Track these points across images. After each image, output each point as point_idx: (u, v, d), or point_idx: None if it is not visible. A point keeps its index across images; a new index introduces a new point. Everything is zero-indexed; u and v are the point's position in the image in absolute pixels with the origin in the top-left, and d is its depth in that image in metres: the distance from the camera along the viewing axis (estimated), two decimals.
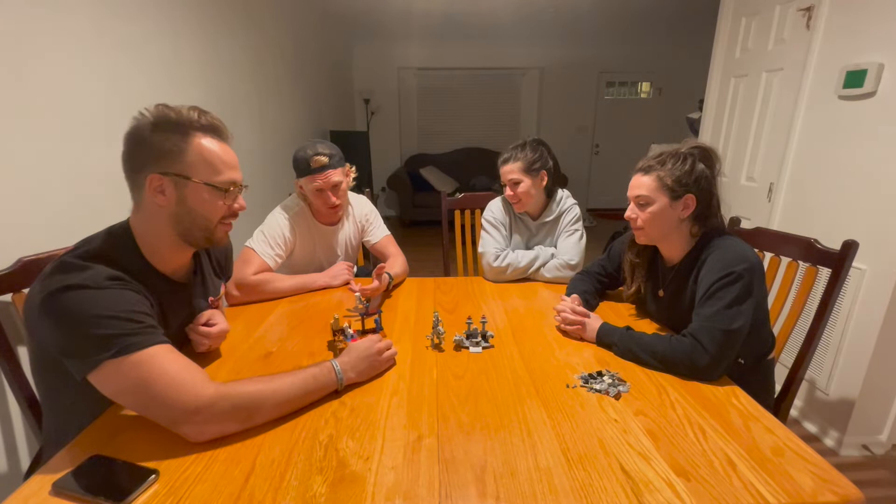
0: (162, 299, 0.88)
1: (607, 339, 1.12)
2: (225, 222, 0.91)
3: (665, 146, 1.24)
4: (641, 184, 1.13)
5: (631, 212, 1.16)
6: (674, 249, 1.17)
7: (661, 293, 1.22)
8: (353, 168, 1.60)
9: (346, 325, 1.15)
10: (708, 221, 1.12)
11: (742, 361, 1.12)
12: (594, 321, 1.17)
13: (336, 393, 0.92)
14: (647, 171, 1.13)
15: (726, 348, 0.98)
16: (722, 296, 1.00)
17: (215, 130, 0.86)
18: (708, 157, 1.11)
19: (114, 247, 0.82)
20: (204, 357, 1.06)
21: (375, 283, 1.36)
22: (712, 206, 1.12)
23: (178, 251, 0.91)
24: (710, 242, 1.10)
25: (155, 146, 0.80)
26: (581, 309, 1.20)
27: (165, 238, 0.87)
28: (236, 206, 0.91)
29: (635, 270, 1.29)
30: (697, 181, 1.09)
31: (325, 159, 1.45)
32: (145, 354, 0.74)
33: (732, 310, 0.99)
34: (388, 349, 1.03)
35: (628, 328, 1.13)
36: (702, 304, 1.03)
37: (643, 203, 1.13)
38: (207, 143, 0.84)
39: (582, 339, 1.18)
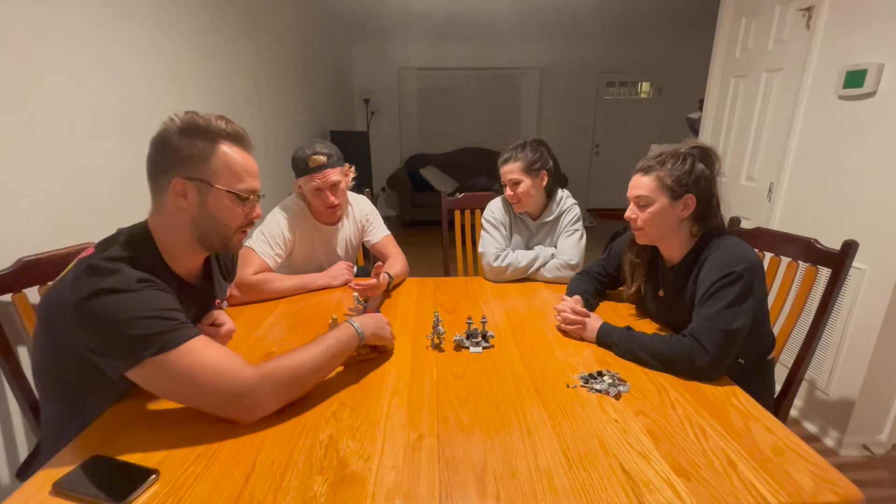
0: (179, 299, 0.89)
1: (607, 339, 1.13)
2: (241, 230, 0.93)
3: (665, 146, 1.24)
4: (641, 184, 1.13)
5: (631, 212, 1.16)
6: (674, 249, 1.17)
7: (661, 293, 1.22)
8: (353, 168, 1.60)
9: None
10: (708, 221, 1.12)
11: (742, 361, 1.12)
12: (594, 321, 1.17)
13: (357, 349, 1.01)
14: (646, 171, 1.13)
15: (726, 348, 0.98)
16: (722, 296, 1.00)
17: (240, 140, 0.89)
18: (707, 156, 1.11)
19: (136, 249, 0.83)
20: None
21: (373, 281, 1.36)
22: (712, 205, 1.12)
23: (193, 254, 0.93)
24: (710, 242, 1.10)
25: (181, 151, 0.83)
26: (581, 309, 1.20)
27: (183, 241, 0.88)
28: (253, 214, 0.94)
29: (635, 270, 1.29)
30: (697, 181, 1.09)
31: (323, 158, 1.45)
32: (185, 349, 0.77)
33: (732, 310, 0.99)
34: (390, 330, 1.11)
35: (628, 328, 1.13)
36: (702, 304, 1.03)
37: (643, 203, 1.13)
38: (232, 151, 0.87)
39: (582, 339, 1.18)
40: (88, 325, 0.74)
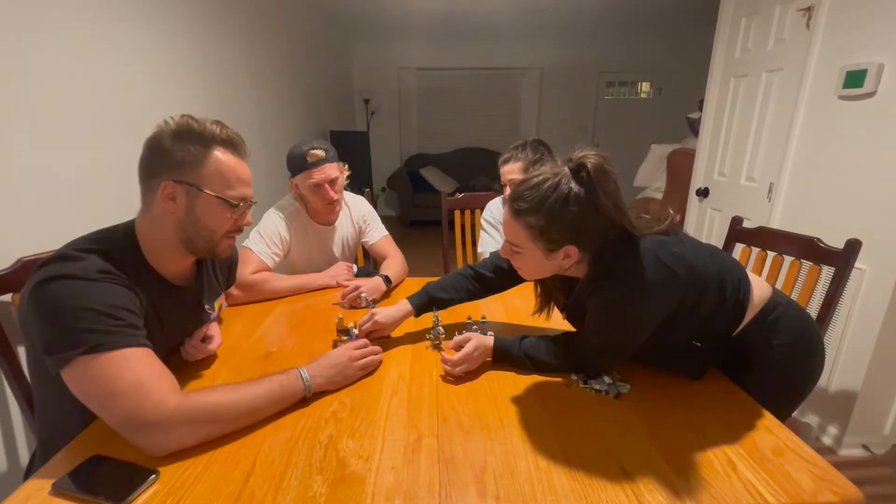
0: (157, 300, 0.89)
1: (505, 358, 1.03)
2: (229, 236, 0.92)
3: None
4: (511, 228, 0.90)
5: (504, 251, 0.96)
6: (571, 275, 0.98)
7: (563, 314, 1.08)
8: (346, 166, 1.61)
9: (350, 325, 1.14)
10: (603, 252, 0.90)
11: (698, 344, 0.97)
12: (483, 344, 1.02)
13: (304, 401, 0.88)
14: (516, 213, 0.88)
15: (597, 359, 0.99)
16: (598, 315, 0.92)
17: (234, 146, 0.88)
18: (603, 173, 0.85)
19: (112, 242, 0.83)
20: (204, 359, 1.05)
21: (354, 286, 1.39)
22: (605, 241, 0.89)
23: (180, 257, 0.92)
24: (609, 262, 0.89)
25: (173, 154, 0.82)
26: (459, 355, 1.00)
27: (168, 243, 0.88)
28: (242, 222, 0.93)
29: (539, 287, 1.10)
30: (578, 231, 0.86)
31: (321, 153, 1.47)
32: (117, 355, 0.72)
33: (605, 329, 0.93)
34: (363, 357, 0.99)
35: (524, 338, 1.04)
36: (585, 322, 0.97)
37: (515, 250, 0.93)
38: (224, 157, 0.86)
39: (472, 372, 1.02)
40: (35, 312, 0.72)
